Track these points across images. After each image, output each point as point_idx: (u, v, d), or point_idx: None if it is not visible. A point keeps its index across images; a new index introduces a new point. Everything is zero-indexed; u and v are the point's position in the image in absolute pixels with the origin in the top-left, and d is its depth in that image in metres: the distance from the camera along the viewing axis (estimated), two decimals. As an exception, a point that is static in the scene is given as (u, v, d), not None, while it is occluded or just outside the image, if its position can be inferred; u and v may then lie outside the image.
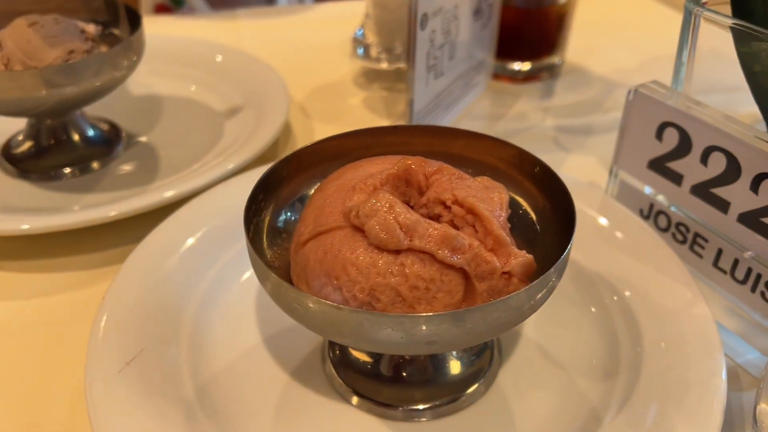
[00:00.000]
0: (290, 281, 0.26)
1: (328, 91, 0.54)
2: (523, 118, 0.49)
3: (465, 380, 0.28)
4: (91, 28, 0.40)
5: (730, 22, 0.31)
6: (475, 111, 0.50)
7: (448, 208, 0.25)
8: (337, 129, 0.48)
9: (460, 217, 0.25)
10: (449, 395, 0.28)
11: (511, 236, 0.25)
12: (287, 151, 0.45)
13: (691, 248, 0.33)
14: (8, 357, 0.31)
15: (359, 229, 0.24)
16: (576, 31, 0.54)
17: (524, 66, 0.54)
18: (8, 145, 0.43)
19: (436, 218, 0.25)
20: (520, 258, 0.24)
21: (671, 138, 0.33)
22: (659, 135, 0.33)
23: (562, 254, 0.24)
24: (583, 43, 0.58)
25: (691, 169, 0.32)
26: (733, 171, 0.30)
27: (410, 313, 0.23)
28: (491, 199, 0.25)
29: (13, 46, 0.38)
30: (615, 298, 0.31)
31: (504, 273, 0.24)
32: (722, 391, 0.25)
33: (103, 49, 0.40)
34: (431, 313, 0.22)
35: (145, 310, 0.30)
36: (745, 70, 0.32)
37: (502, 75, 0.54)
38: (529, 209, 0.29)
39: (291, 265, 0.26)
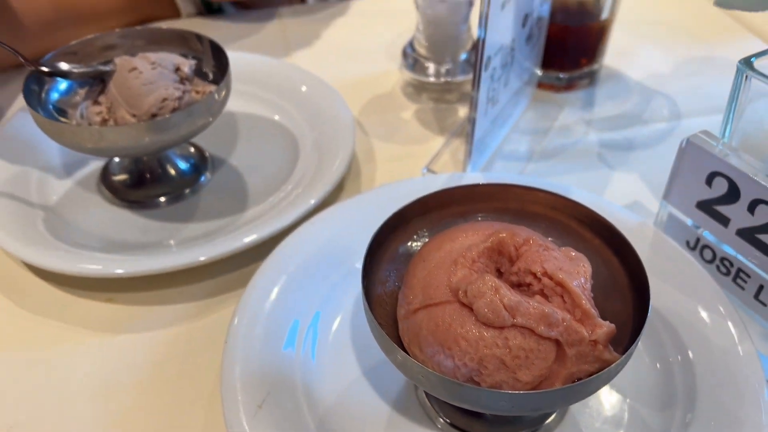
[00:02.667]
0: (397, 336, 0.31)
1: (381, 103, 0.57)
2: (567, 133, 0.53)
3: (543, 415, 0.33)
4: (185, 67, 0.43)
5: (780, 89, 0.34)
6: (523, 125, 0.54)
7: (538, 279, 0.29)
8: (395, 147, 0.52)
9: (550, 288, 0.29)
10: (530, 428, 0.33)
11: (594, 306, 0.29)
12: (353, 179, 0.49)
13: (734, 281, 0.38)
14: (136, 389, 0.36)
15: (467, 306, 0.28)
16: (613, 33, 0.57)
17: (565, 75, 0.56)
18: (107, 172, 0.47)
19: (527, 286, 0.30)
20: (605, 328, 0.28)
21: (720, 185, 0.37)
22: (709, 182, 0.37)
23: (637, 322, 0.28)
24: (620, 44, 0.60)
25: (738, 215, 0.36)
26: (777, 222, 0.34)
27: (513, 383, 0.27)
28: (577, 271, 0.30)
29: (115, 91, 0.42)
30: (669, 333, 0.36)
31: (591, 341, 0.28)
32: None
33: (195, 91, 0.43)
34: (543, 390, 0.27)
35: (263, 355, 0.34)
36: (791, 127, 0.35)
37: (544, 83, 0.57)
38: (601, 265, 0.33)
39: (399, 326, 0.31)
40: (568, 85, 0.57)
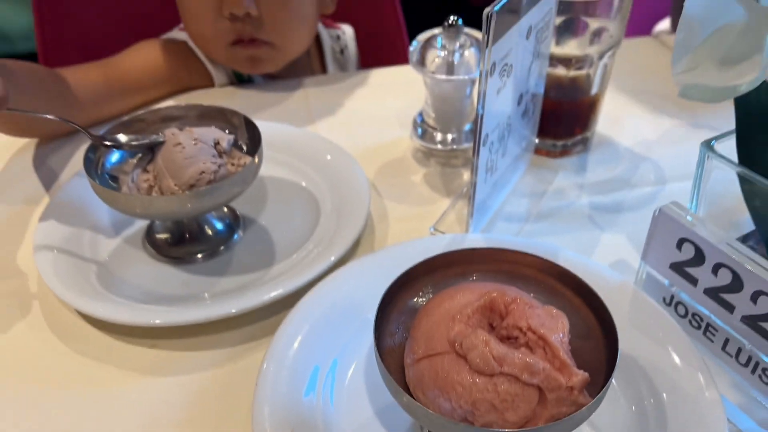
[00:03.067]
0: (404, 381, 0.36)
1: (394, 167, 0.63)
2: (561, 196, 0.58)
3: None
4: (223, 141, 0.50)
5: (734, 169, 0.39)
6: (521, 188, 0.59)
7: (523, 333, 0.35)
8: (405, 207, 0.58)
9: (533, 341, 0.34)
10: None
11: (571, 356, 0.34)
12: (368, 236, 0.55)
13: (704, 334, 0.43)
14: (175, 427, 0.41)
15: (462, 356, 0.34)
16: (604, 102, 0.63)
17: (560, 142, 0.62)
18: (151, 231, 0.54)
19: (515, 339, 0.35)
20: (580, 376, 0.33)
21: (688, 250, 0.42)
22: (679, 246, 0.42)
23: (609, 370, 0.33)
24: (611, 114, 0.66)
25: (704, 276, 0.41)
26: (737, 284, 0.39)
27: (502, 423, 0.32)
28: (556, 327, 0.35)
29: (161, 163, 0.48)
30: (644, 379, 0.41)
31: (568, 387, 0.33)
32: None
33: (231, 163, 0.50)
34: (527, 428, 0.32)
35: (288, 398, 0.40)
36: (747, 201, 0.41)
37: (541, 150, 0.63)
38: (575, 318, 0.38)
39: (406, 373, 0.36)
40: (563, 152, 0.63)
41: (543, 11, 0.51)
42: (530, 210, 0.57)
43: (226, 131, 0.52)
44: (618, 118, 0.67)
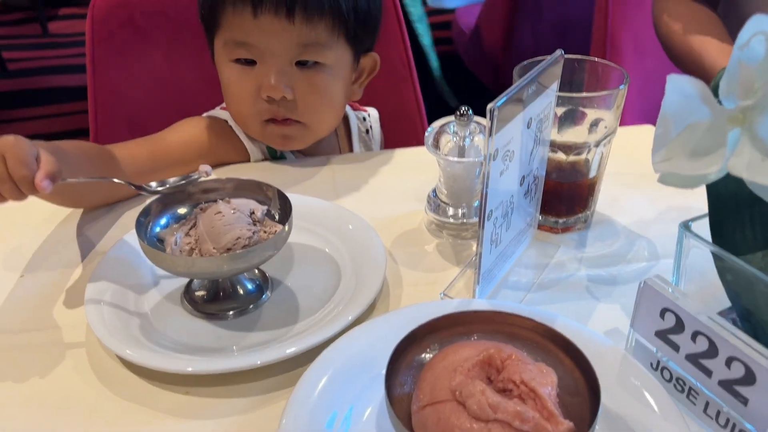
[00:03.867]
0: (411, 427, 0.40)
1: (409, 237, 0.69)
2: (562, 268, 0.64)
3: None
4: (258, 212, 0.56)
5: (708, 248, 0.45)
6: (525, 260, 0.65)
7: (517, 385, 0.39)
8: (418, 274, 0.63)
9: (526, 393, 0.39)
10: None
11: (559, 407, 0.39)
12: (383, 299, 0.60)
13: (687, 397, 0.47)
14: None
15: (461, 404, 0.38)
16: (605, 184, 0.69)
17: (561, 219, 0.68)
18: (189, 288, 0.60)
19: (509, 391, 0.40)
20: (565, 425, 0.38)
21: (670, 319, 0.46)
22: (662, 315, 0.47)
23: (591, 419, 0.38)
24: (611, 194, 0.72)
25: (685, 343, 0.46)
26: (713, 350, 0.44)
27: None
28: (546, 381, 0.40)
29: (202, 228, 0.55)
30: (630, 436, 0.45)
31: (554, 435, 0.38)
32: None
33: (264, 230, 0.56)
34: None
35: (309, 439, 0.44)
36: (720, 276, 0.46)
37: (544, 226, 0.69)
38: (565, 376, 0.43)
39: (413, 419, 0.41)
40: (565, 228, 0.68)
41: (544, 104, 0.58)
42: (533, 280, 0.62)
43: (261, 202, 0.59)
44: (617, 198, 0.73)
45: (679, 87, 0.44)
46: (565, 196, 0.67)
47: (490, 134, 0.50)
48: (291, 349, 0.52)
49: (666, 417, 0.45)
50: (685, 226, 0.47)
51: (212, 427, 0.49)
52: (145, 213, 0.57)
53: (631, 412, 0.46)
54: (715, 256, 0.45)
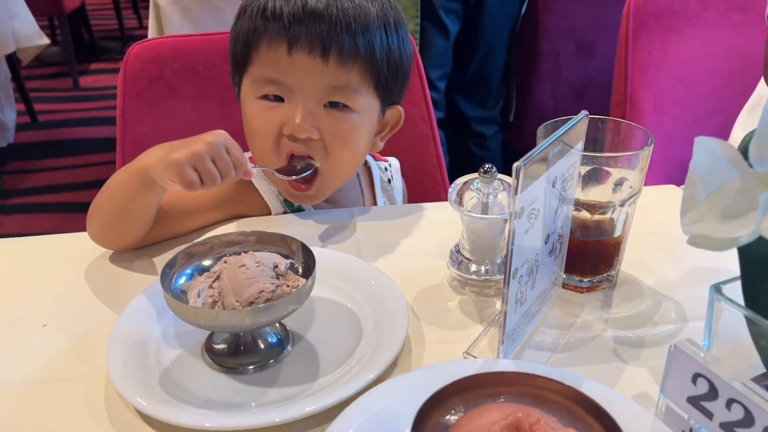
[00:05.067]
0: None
1: (431, 293, 0.69)
2: (588, 329, 0.62)
3: None
4: (282, 265, 0.56)
5: (742, 312, 0.44)
6: (550, 320, 0.64)
7: (546, 452, 0.38)
8: (440, 331, 0.62)
9: (554, 460, 0.38)
10: None
11: (590, 476, 0.38)
12: (405, 357, 0.59)
13: (723, 468, 0.45)
14: None
15: (490, 469, 0.37)
16: (630, 243, 0.68)
17: (587, 279, 0.67)
18: (210, 342, 0.59)
19: (537, 457, 0.38)
20: (596, 495, 0.36)
21: (703, 385, 0.45)
22: (694, 381, 0.46)
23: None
24: (636, 254, 0.72)
25: (719, 411, 0.44)
26: (749, 419, 0.42)
27: None
28: (576, 448, 0.38)
29: (226, 281, 0.55)
30: None
31: (586, 505, 0.36)
32: None
33: (286, 284, 0.56)
34: None
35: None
36: (755, 341, 0.44)
37: (569, 285, 0.68)
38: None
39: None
40: (590, 288, 0.68)
41: (569, 163, 0.58)
42: (557, 341, 0.61)
43: (285, 256, 0.59)
44: (641, 258, 0.72)
45: (707, 148, 0.45)
46: (590, 254, 0.67)
47: (516, 192, 0.50)
48: (310, 407, 0.51)
49: (701, 489, 0.43)
50: (717, 288, 0.46)
51: (229, 486, 0.48)
52: (171, 264, 0.58)
53: (663, 482, 0.44)
54: (748, 320, 0.44)
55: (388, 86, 0.78)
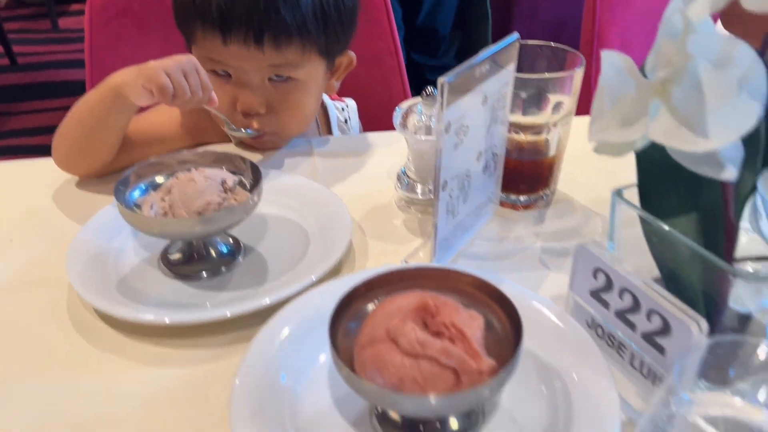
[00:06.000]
0: (352, 366, 0.44)
1: (379, 212, 0.73)
2: (519, 241, 0.67)
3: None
4: (230, 181, 0.60)
5: (636, 212, 0.48)
6: (485, 233, 0.68)
7: (448, 328, 0.43)
8: (385, 245, 0.67)
9: (455, 335, 0.43)
10: (447, 443, 0.45)
11: (483, 347, 0.43)
12: (349, 266, 0.64)
13: (618, 352, 0.50)
14: (168, 406, 0.50)
15: (395, 342, 0.42)
16: (566, 165, 0.72)
17: (523, 197, 0.72)
18: (165, 252, 0.64)
19: (441, 334, 0.43)
20: (489, 363, 0.41)
21: (601, 278, 0.50)
22: (595, 275, 0.50)
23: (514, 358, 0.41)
24: (572, 176, 0.76)
25: (614, 300, 0.49)
26: (636, 305, 0.47)
27: (424, 394, 0.41)
28: (473, 325, 0.43)
29: (176, 194, 0.59)
30: (559, 383, 0.48)
31: (478, 370, 0.41)
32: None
33: (234, 198, 0.60)
34: (439, 394, 0.40)
35: (263, 381, 0.48)
36: (647, 240, 0.49)
37: (506, 203, 0.72)
38: (497, 324, 0.46)
39: (355, 357, 0.44)
40: (526, 206, 0.72)
41: (500, 82, 0.62)
42: (490, 251, 0.66)
43: (234, 173, 0.63)
44: (577, 179, 0.77)
45: (612, 62, 0.48)
46: (526, 174, 0.71)
47: (442, 107, 0.54)
48: (255, 304, 0.55)
49: (593, 366, 0.48)
50: (618, 192, 0.50)
51: (179, 373, 0.53)
52: (125, 181, 0.61)
53: (565, 365, 0.50)
54: (642, 220, 0.49)
55: (330, 47, 0.80)
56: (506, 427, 0.46)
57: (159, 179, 0.63)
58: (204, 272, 0.62)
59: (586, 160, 0.81)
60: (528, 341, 0.51)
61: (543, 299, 0.55)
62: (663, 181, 0.49)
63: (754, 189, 0.48)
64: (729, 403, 0.42)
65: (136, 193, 0.62)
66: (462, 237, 0.65)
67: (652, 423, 0.39)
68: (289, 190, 0.73)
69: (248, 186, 0.64)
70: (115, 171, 0.78)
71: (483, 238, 0.68)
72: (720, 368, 0.44)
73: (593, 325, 0.52)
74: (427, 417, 0.45)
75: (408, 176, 0.73)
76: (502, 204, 0.72)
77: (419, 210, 0.73)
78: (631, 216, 0.51)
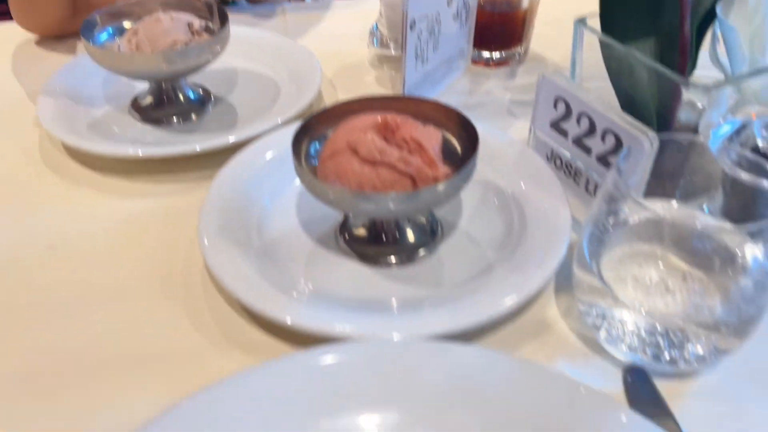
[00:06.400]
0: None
1: (351, 70, 0.73)
2: (489, 94, 0.68)
3: (418, 245, 0.48)
4: (196, 24, 0.60)
5: (597, 37, 0.49)
6: (456, 87, 0.69)
7: (407, 141, 0.44)
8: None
9: (413, 147, 0.44)
10: (408, 253, 0.47)
11: (441, 159, 0.44)
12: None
13: (574, 180, 0.52)
14: (140, 229, 0.52)
15: (356, 151, 0.43)
16: (540, 24, 0.72)
17: (495, 54, 0.72)
18: (136, 99, 0.64)
19: (401, 147, 0.44)
20: (444, 170, 0.43)
21: (561, 107, 0.51)
22: (555, 105, 0.51)
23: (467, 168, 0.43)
24: (545, 34, 0.76)
25: (572, 127, 0.50)
26: (592, 128, 0.48)
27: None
28: (431, 138, 0.44)
29: (143, 34, 0.59)
30: (515, 205, 0.50)
31: (434, 177, 0.43)
32: (564, 247, 0.45)
33: (201, 39, 0.60)
34: (391, 192, 0.42)
35: (232, 202, 0.50)
36: (606, 65, 0.50)
37: (478, 61, 0.72)
38: (457, 144, 0.48)
39: (318, 170, 0.46)
40: (499, 63, 0.72)
41: (472, -74, 0.60)
42: (458, 102, 0.66)
43: (202, 18, 0.63)
44: (551, 37, 0.76)
45: None
46: (498, 28, 0.70)
47: (409, -62, 0.53)
48: (224, 140, 0.56)
49: (548, 190, 0.50)
50: (581, 21, 0.51)
51: (150, 203, 0.54)
52: (91, 23, 0.61)
53: (522, 189, 0.52)
54: (602, 45, 0.49)
55: None
56: (462, 242, 0.49)
57: (126, 24, 0.62)
58: (174, 117, 0.62)
59: (561, 21, 0.81)
60: (488, 171, 0.54)
61: (505, 135, 0.56)
62: (624, 4, 0.49)
63: (711, 14, 0.48)
64: (671, 208, 0.44)
65: (104, 36, 0.61)
66: (431, 89, 0.66)
67: (595, 222, 0.41)
68: (260, 44, 0.72)
69: (216, 32, 0.63)
70: (73, 33, 0.77)
71: (452, 92, 0.68)
72: (663, 182, 0.46)
73: (552, 157, 0.54)
74: (385, 217, 0.47)
75: (380, 32, 0.72)
76: (474, 62, 0.72)
77: (392, 68, 0.73)
78: (593, 47, 0.52)
